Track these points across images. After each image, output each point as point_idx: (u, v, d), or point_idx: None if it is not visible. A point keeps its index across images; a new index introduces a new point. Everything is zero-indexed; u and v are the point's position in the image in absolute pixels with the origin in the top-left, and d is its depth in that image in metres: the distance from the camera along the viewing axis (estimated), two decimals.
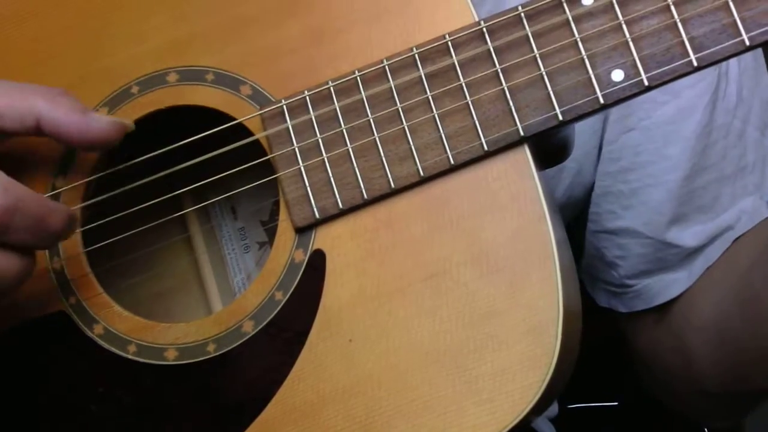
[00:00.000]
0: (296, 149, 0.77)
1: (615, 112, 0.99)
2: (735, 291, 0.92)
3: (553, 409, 1.13)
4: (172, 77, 0.80)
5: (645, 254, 0.99)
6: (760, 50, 1.03)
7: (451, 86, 0.74)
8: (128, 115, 0.80)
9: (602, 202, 1.01)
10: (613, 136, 0.99)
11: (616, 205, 1.00)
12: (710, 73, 0.98)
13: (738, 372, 0.93)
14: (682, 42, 0.71)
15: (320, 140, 0.76)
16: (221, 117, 0.79)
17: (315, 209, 0.76)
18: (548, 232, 0.73)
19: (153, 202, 0.79)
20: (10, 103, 0.73)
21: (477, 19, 0.75)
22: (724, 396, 0.99)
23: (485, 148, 0.74)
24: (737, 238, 0.97)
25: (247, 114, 0.78)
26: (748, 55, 1.01)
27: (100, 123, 0.74)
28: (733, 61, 1.00)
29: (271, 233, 0.89)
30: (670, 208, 0.98)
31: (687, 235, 0.98)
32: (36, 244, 0.72)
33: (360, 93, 0.76)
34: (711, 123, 0.98)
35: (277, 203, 0.78)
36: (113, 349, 0.79)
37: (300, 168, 0.76)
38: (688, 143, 0.98)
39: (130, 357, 0.78)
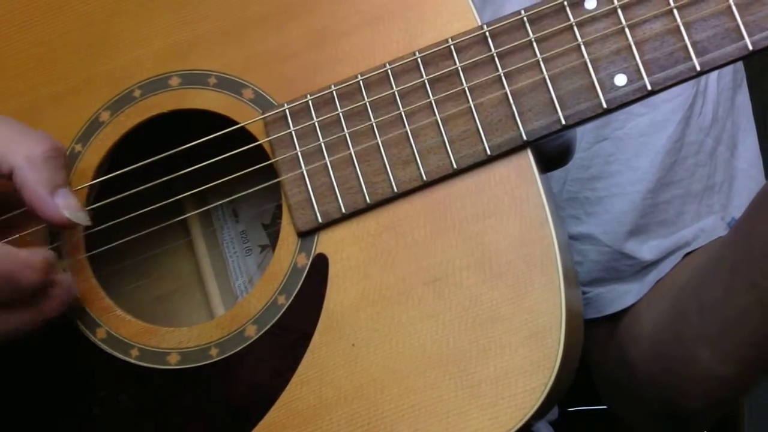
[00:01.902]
0: (299, 153, 0.77)
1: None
2: (671, 306, 0.92)
3: (554, 411, 1.13)
4: (174, 81, 0.80)
5: (600, 262, 0.99)
6: (742, 71, 1.03)
7: (453, 90, 0.74)
8: (131, 119, 0.80)
9: (567, 206, 1.01)
10: (587, 143, 0.99)
11: (581, 211, 1.00)
12: (687, 89, 0.98)
13: (672, 391, 0.93)
14: (685, 46, 0.71)
15: (323, 144, 0.76)
16: (223, 121, 0.79)
17: (318, 214, 0.76)
18: (551, 236, 0.72)
19: (155, 206, 0.79)
20: None
21: (480, 23, 0.75)
22: (668, 416, 0.98)
23: (488, 152, 0.74)
24: (687, 254, 0.97)
25: (249, 118, 0.78)
26: (728, 75, 1.01)
27: (56, 209, 0.74)
28: (712, 80, 1.00)
29: (273, 236, 0.89)
30: (631, 219, 0.98)
31: (644, 248, 0.97)
32: (12, 299, 0.72)
33: (363, 97, 0.76)
34: (682, 139, 0.98)
35: (279, 206, 0.78)
36: (116, 354, 0.79)
37: (302, 172, 0.76)
38: (657, 157, 0.98)
39: (132, 361, 0.78)
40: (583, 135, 0.99)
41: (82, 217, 0.76)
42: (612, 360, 1.01)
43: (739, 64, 1.03)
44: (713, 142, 0.99)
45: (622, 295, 0.98)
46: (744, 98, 1.04)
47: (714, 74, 1.00)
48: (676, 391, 0.92)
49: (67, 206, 0.75)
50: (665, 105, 0.98)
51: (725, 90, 1.01)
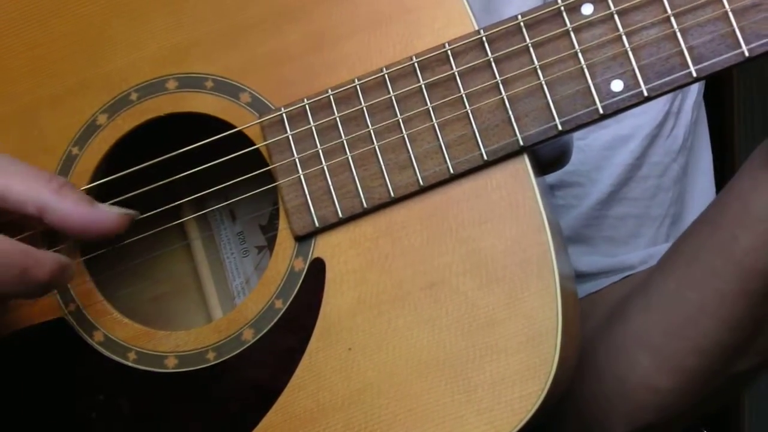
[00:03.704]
0: (296, 158, 0.77)
1: None
2: (610, 310, 0.90)
3: None
4: (171, 84, 0.80)
5: None
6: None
7: (450, 95, 0.74)
8: (128, 122, 0.80)
9: None
10: None
11: None
12: (658, 108, 0.97)
13: (599, 409, 0.89)
14: (682, 52, 0.71)
15: (320, 149, 0.76)
16: (220, 124, 0.79)
17: (314, 218, 0.76)
18: (547, 242, 0.73)
19: (154, 212, 0.79)
20: (9, 186, 0.71)
21: (477, 28, 0.75)
22: None
23: (485, 157, 0.74)
24: (628, 276, 0.95)
25: (246, 121, 0.78)
26: (702, 105, 1.00)
27: (109, 215, 0.73)
28: (687, 105, 0.99)
29: (270, 238, 0.89)
30: (571, 226, 0.97)
31: (583, 261, 0.96)
32: (21, 294, 0.72)
33: (359, 101, 0.76)
34: (644, 157, 0.97)
35: (276, 208, 0.79)
36: (113, 357, 0.79)
37: (299, 176, 0.76)
38: (615, 170, 0.96)
39: (130, 364, 0.79)
40: None
41: (131, 212, 0.75)
42: None
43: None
44: (679, 168, 0.98)
45: None
46: (705, 137, 1.03)
47: (691, 100, 0.99)
48: (602, 409, 0.89)
49: (111, 209, 0.73)
50: (631, 120, 0.96)
51: (699, 121, 1.00)
